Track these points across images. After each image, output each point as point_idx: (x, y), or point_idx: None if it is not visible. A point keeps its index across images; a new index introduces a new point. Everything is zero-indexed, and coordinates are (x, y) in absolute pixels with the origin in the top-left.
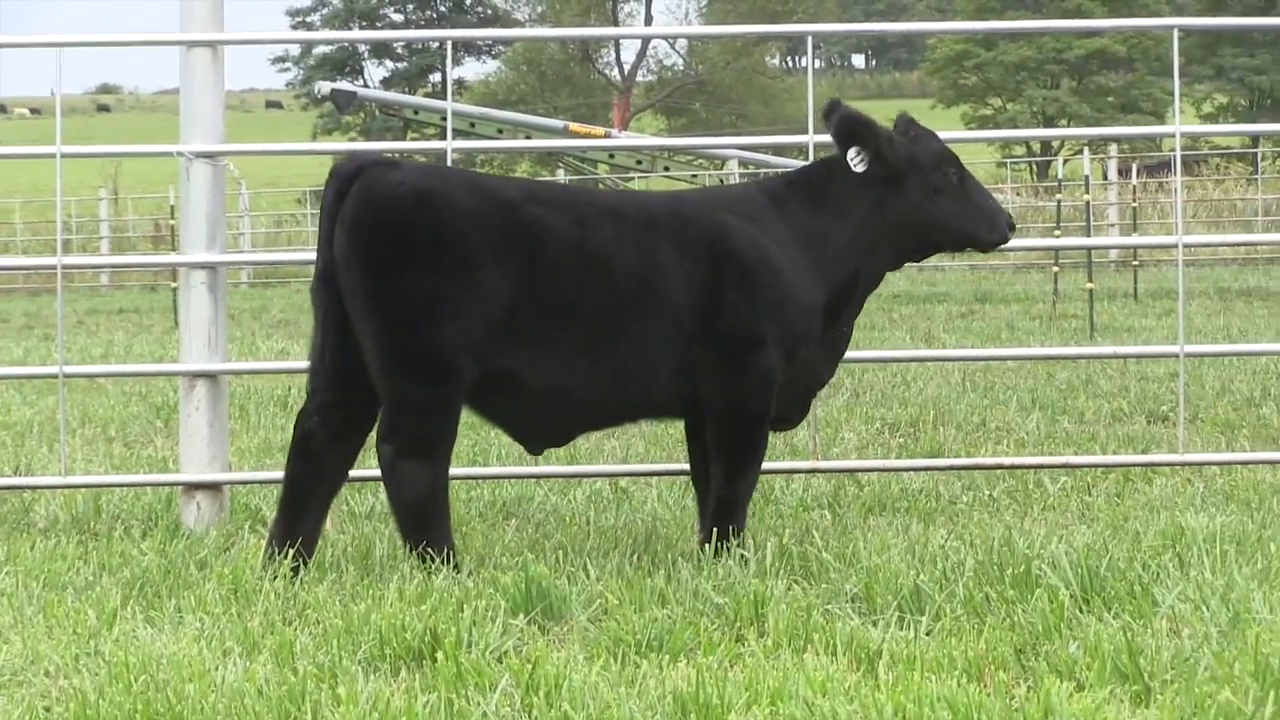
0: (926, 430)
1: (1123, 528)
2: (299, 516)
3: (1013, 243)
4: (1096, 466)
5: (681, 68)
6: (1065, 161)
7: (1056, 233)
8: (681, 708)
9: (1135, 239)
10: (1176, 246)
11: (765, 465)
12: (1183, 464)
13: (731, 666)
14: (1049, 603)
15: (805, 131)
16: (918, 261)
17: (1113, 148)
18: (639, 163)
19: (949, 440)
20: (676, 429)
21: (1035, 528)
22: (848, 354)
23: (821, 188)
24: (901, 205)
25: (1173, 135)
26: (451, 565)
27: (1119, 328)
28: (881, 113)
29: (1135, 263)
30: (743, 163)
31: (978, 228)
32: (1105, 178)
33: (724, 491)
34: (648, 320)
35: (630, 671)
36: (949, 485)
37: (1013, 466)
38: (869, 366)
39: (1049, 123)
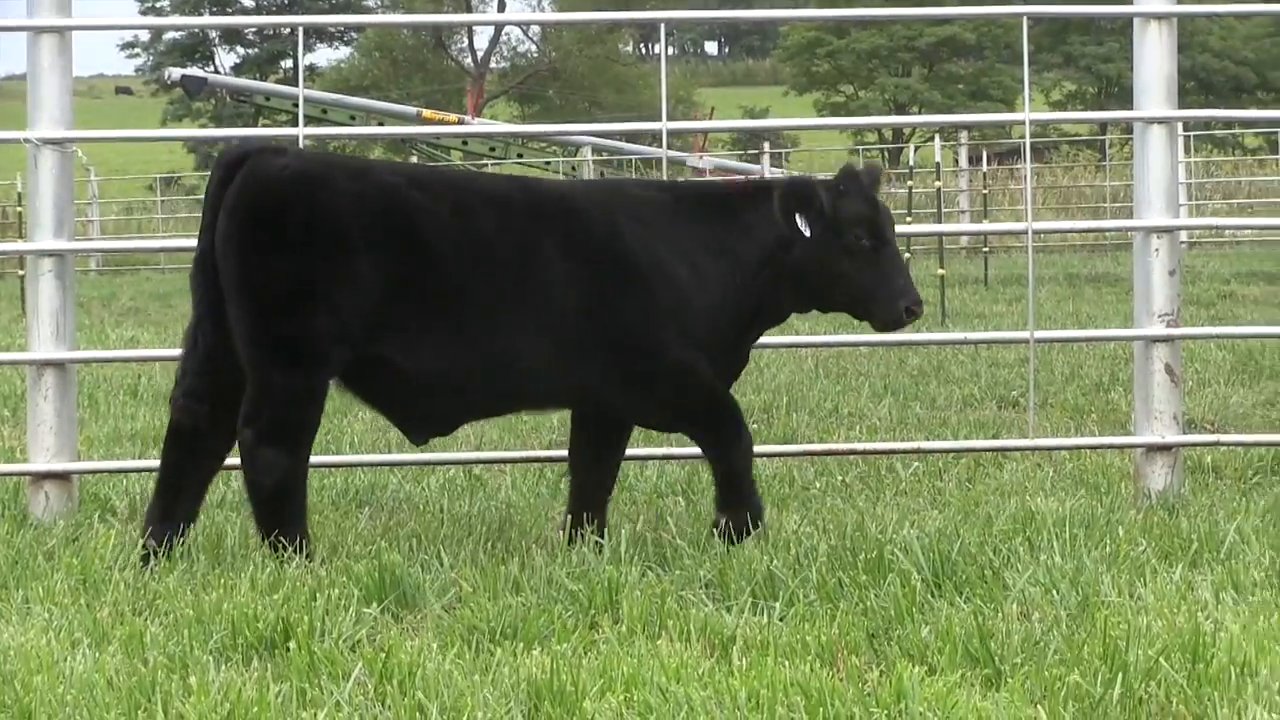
0: (779, 417)
1: (974, 512)
2: (174, 501)
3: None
4: (948, 452)
5: (535, 55)
6: (916, 149)
7: (908, 219)
8: (536, 695)
9: (986, 225)
10: (1026, 233)
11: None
12: (1033, 449)
13: (586, 653)
14: (901, 587)
15: (659, 119)
16: (823, 313)
17: (963, 135)
18: (492, 150)
19: (802, 426)
20: (530, 416)
21: (887, 513)
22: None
23: (736, 209)
24: (805, 254)
25: (1023, 122)
26: (304, 554)
27: (970, 314)
28: (735, 100)
29: (986, 249)
30: (596, 150)
31: (873, 301)
32: (956, 165)
33: (720, 467)
34: (526, 313)
35: (484, 659)
36: (802, 471)
37: (865, 452)
38: None
39: (900, 110)
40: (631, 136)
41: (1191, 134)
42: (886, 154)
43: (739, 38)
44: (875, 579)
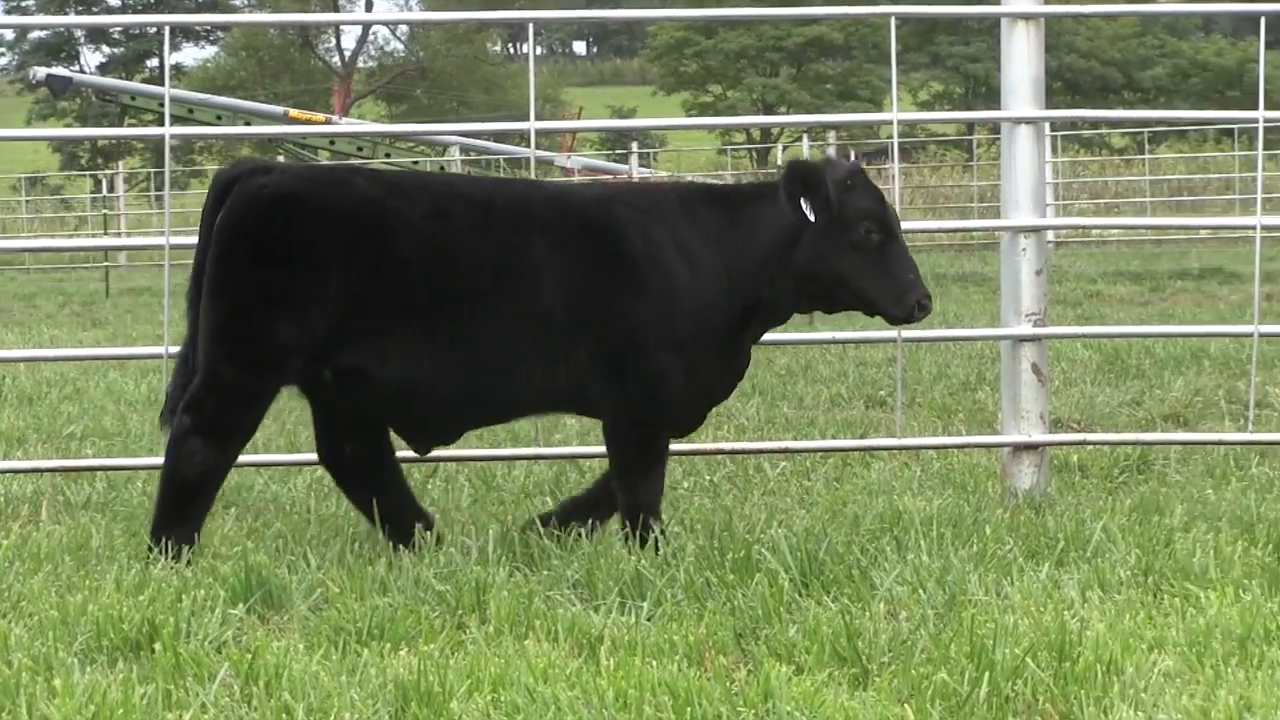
0: None
1: (841, 512)
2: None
3: None
4: (816, 451)
5: (403, 54)
6: (784, 149)
7: None
8: (403, 696)
9: None
10: None
11: (487, 451)
12: (900, 448)
13: (453, 654)
14: (769, 587)
15: (527, 118)
16: (828, 313)
17: (831, 135)
18: (360, 149)
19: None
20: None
21: (755, 512)
22: None
23: (739, 204)
24: (813, 251)
25: (890, 122)
26: (171, 555)
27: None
28: (603, 100)
29: None
30: (464, 149)
31: (883, 296)
32: None
33: (625, 498)
34: (512, 318)
35: (351, 660)
36: (670, 471)
37: (733, 452)
38: None
39: (769, 110)
40: (499, 136)
41: (1059, 134)
42: (755, 154)
43: (607, 38)
44: (743, 578)
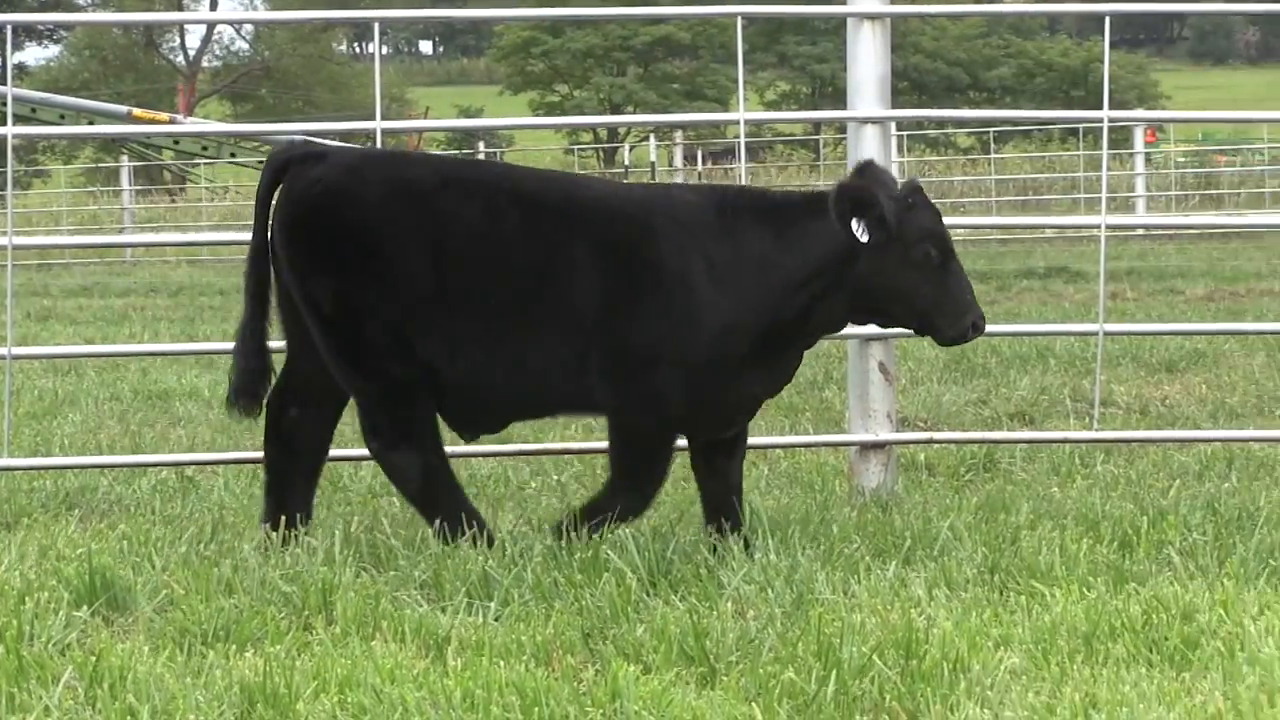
0: None
1: (690, 511)
2: (282, 498)
3: None
4: None
5: (248, 53)
6: (632, 148)
7: None
8: (249, 698)
9: None
10: None
11: (335, 452)
12: (748, 447)
13: (300, 655)
14: (616, 586)
15: (373, 118)
16: (882, 327)
17: (679, 134)
18: (205, 149)
19: (518, 426)
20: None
21: None
22: None
23: (787, 217)
24: (871, 266)
25: (737, 122)
26: (482, 535)
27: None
28: (450, 100)
29: None
30: None
31: (939, 315)
32: (671, 164)
33: (609, 503)
34: (550, 315)
35: (197, 662)
36: (518, 471)
37: (580, 451)
38: None
39: (615, 110)
40: (346, 136)
41: (905, 134)
42: (602, 154)
43: (453, 37)
44: (590, 578)
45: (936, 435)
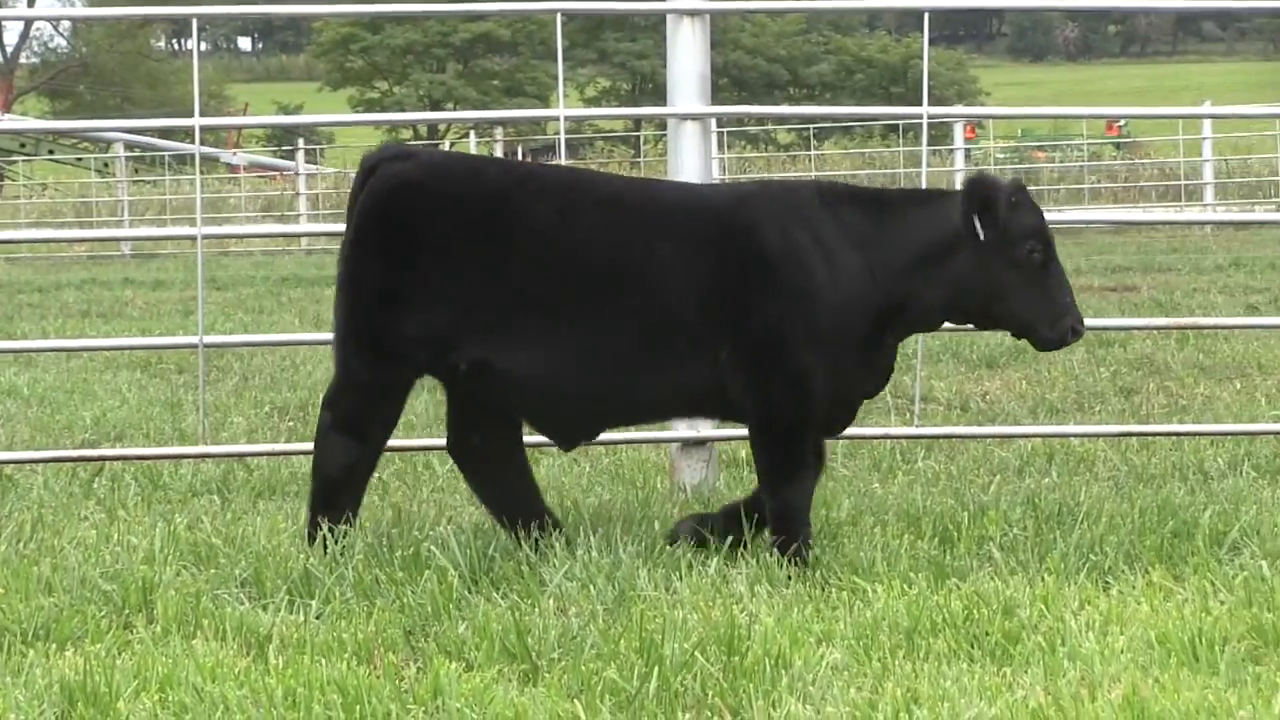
0: (316, 414)
1: None
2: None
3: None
4: None
5: (66, 50)
6: (452, 145)
7: None
8: (69, 697)
9: None
10: None
11: (153, 450)
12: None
13: (120, 654)
14: (438, 584)
15: (192, 114)
16: (979, 328)
17: (499, 131)
18: (23, 146)
19: None
20: (65, 409)
21: (425, 509)
22: (235, 338)
23: (888, 205)
24: (972, 264)
25: (557, 119)
26: (335, 539)
27: None
28: (269, 96)
29: None
30: (129, 146)
31: (1039, 318)
32: None
33: (772, 503)
34: (641, 318)
35: (16, 661)
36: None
37: (401, 449)
38: (257, 351)
39: (436, 106)
40: (164, 133)
41: (725, 130)
42: None
43: (272, 33)
44: (412, 576)
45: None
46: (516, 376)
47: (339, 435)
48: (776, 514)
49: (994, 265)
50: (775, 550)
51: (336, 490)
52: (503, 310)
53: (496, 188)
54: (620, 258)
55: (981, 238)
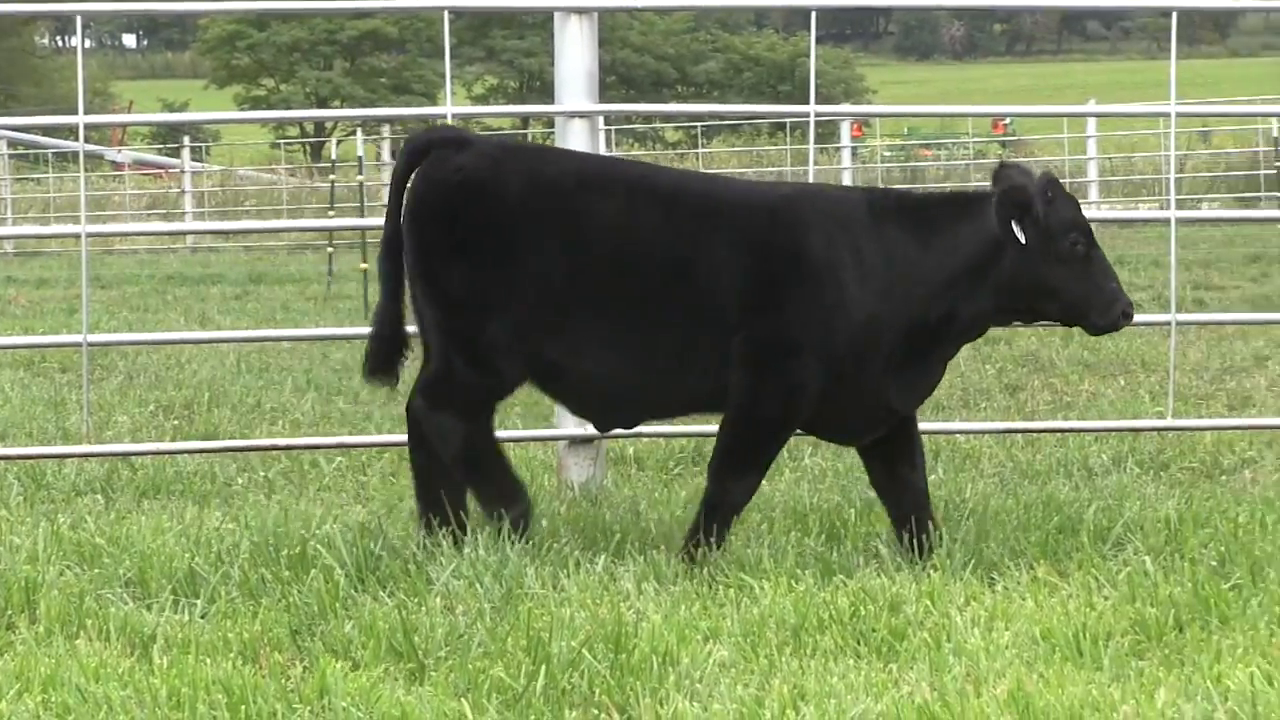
0: (201, 412)
1: (399, 507)
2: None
3: (286, 223)
4: (372, 446)
5: None
6: (339, 142)
7: (330, 213)
8: None
9: None
10: None
11: (36, 450)
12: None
13: (2, 655)
14: (324, 583)
15: (76, 112)
16: (1026, 324)
17: (386, 129)
18: None
19: (224, 422)
20: None
21: (311, 508)
22: (119, 336)
23: (933, 218)
24: (1020, 263)
25: (445, 116)
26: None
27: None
28: (154, 94)
29: None
30: (12, 144)
31: (1090, 307)
32: (379, 159)
33: (714, 490)
34: (692, 314)
35: None
36: (224, 467)
37: (288, 447)
38: (142, 349)
39: (322, 104)
40: (48, 130)
41: (613, 128)
42: (309, 148)
43: (158, 30)
44: (298, 574)
45: (644, 430)
46: (579, 372)
47: (447, 417)
48: (712, 502)
49: (1039, 264)
50: (688, 534)
51: (474, 463)
52: (565, 306)
53: (558, 186)
54: (672, 257)
55: (1024, 242)
